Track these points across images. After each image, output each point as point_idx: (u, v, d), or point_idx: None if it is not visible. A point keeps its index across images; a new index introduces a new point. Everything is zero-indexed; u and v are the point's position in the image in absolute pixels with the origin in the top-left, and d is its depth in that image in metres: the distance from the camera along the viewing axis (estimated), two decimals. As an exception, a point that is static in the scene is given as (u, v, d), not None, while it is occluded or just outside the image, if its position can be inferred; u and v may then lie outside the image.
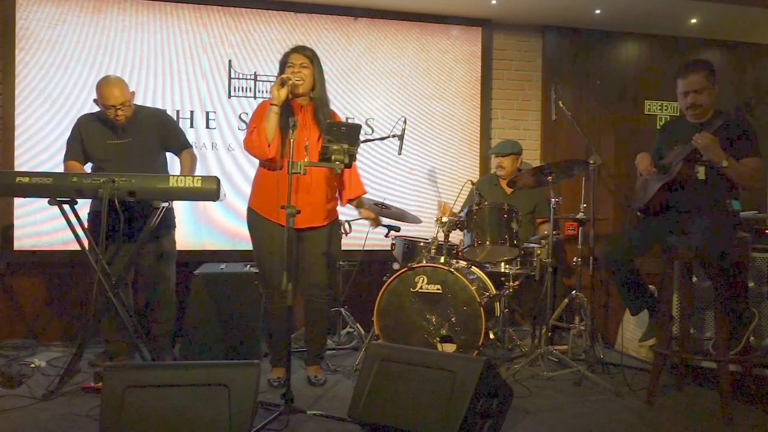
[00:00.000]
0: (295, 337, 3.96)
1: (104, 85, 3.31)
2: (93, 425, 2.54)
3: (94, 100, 3.37)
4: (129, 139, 3.39)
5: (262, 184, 3.14)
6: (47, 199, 2.97)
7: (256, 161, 3.20)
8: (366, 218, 3.38)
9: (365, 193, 3.37)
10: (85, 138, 3.40)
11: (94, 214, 3.31)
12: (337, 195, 3.26)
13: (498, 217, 3.52)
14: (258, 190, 3.17)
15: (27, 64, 4.09)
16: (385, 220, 3.88)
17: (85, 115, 3.55)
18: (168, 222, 3.49)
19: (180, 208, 4.16)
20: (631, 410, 2.95)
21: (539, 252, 3.74)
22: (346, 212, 3.77)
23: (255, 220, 3.14)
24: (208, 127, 4.33)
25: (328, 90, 3.22)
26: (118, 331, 3.34)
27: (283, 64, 3.10)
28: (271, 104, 2.96)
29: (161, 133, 3.50)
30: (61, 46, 4.14)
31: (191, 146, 3.63)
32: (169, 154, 3.62)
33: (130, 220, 3.15)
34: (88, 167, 3.48)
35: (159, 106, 4.18)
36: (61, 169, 3.98)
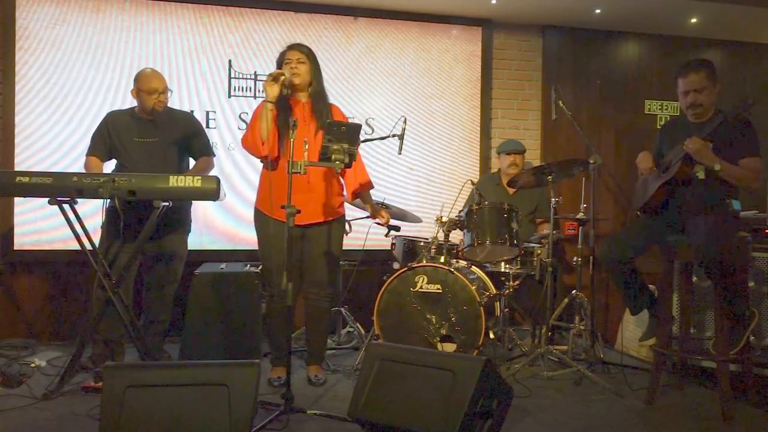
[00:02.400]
0: (295, 336, 3.96)
1: (148, 72, 3.42)
2: (93, 425, 2.54)
3: (133, 90, 3.41)
4: (156, 139, 3.42)
5: (265, 183, 3.16)
6: (47, 199, 2.97)
7: (256, 161, 3.20)
8: (375, 216, 3.33)
9: (372, 187, 3.32)
10: (113, 133, 3.42)
11: (112, 210, 3.30)
12: (344, 192, 3.25)
13: (498, 217, 3.52)
14: (261, 189, 3.19)
15: (27, 63, 4.09)
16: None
17: (114, 111, 3.59)
18: (178, 223, 3.49)
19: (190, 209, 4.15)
20: (631, 410, 2.95)
21: (539, 252, 3.74)
22: (346, 212, 3.77)
23: (260, 219, 3.17)
24: (207, 126, 4.32)
25: (327, 87, 3.23)
26: (114, 330, 3.34)
27: (280, 62, 3.12)
28: (266, 101, 2.97)
29: (187, 135, 3.51)
30: (61, 46, 4.14)
31: (212, 155, 3.64)
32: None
33: (141, 220, 3.15)
34: (109, 165, 3.49)
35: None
36: (62, 168, 4.03)
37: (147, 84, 3.37)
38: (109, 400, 2.16)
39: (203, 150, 3.59)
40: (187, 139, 3.52)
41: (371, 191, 3.36)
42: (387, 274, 3.59)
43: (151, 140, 3.41)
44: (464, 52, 4.79)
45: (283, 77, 2.95)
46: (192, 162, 3.63)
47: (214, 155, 3.68)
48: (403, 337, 3.40)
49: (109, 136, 3.42)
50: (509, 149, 4.32)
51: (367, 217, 3.70)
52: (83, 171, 3.42)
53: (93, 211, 3.67)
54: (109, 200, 2.91)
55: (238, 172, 4.32)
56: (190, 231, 3.62)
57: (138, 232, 3.17)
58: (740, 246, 3.01)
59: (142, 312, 3.58)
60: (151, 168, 3.25)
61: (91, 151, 3.44)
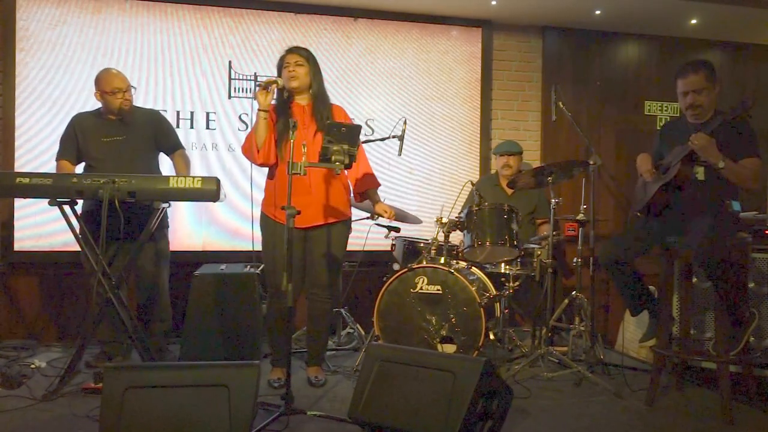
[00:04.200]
0: (295, 337, 3.96)
1: (109, 72, 3.39)
2: (93, 426, 2.54)
3: (96, 93, 3.39)
4: (123, 137, 3.40)
5: (268, 187, 3.21)
6: (47, 200, 2.97)
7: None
8: (380, 214, 3.27)
9: (378, 186, 3.30)
10: (80, 135, 3.40)
11: (87, 214, 3.31)
12: (350, 195, 3.26)
13: (498, 218, 3.52)
14: (266, 192, 3.23)
15: (27, 64, 4.09)
16: (386, 221, 3.88)
17: (79, 113, 3.57)
18: (163, 223, 3.50)
19: (180, 208, 4.17)
20: (631, 411, 2.95)
21: (539, 253, 3.73)
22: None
23: (264, 221, 3.20)
24: (208, 127, 4.33)
25: (329, 88, 3.23)
26: (116, 331, 3.34)
27: (280, 67, 3.13)
28: (258, 110, 2.98)
29: (155, 132, 3.51)
30: (61, 47, 4.14)
31: (183, 147, 3.64)
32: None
33: (127, 220, 3.14)
34: (79, 168, 3.49)
35: (159, 106, 4.19)
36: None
37: (108, 85, 3.35)
38: (109, 401, 2.16)
39: (174, 145, 3.59)
40: (155, 136, 3.51)
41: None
42: (387, 275, 3.59)
43: (119, 138, 3.40)
44: (464, 53, 4.79)
45: (274, 84, 2.97)
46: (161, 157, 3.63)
47: (184, 147, 3.65)
48: (403, 338, 3.40)
49: (76, 138, 3.41)
50: (502, 150, 4.32)
51: (368, 218, 3.70)
52: (81, 173, 3.43)
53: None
54: (83, 206, 2.88)
55: (241, 172, 4.32)
56: (168, 227, 3.62)
57: (122, 233, 3.15)
58: (740, 247, 3.01)
59: (143, 314, 3.58)
60: (120, 167, 3.23)
61: (61, 155, 3.43)
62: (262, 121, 2.99)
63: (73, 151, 3.43)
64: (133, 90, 3.45)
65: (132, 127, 3.43)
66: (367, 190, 3.25)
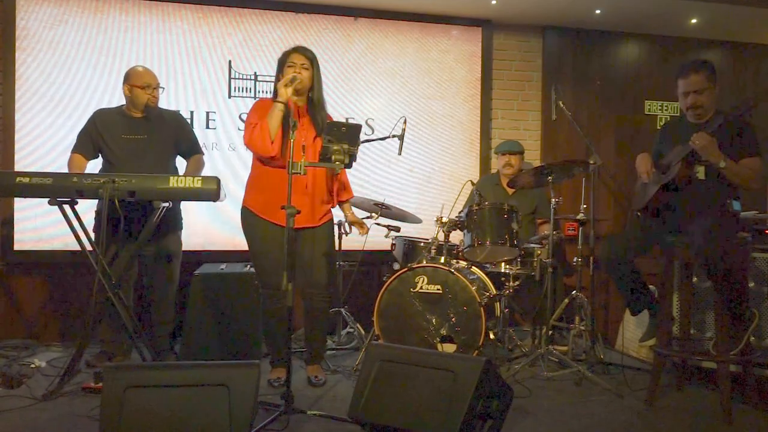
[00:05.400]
0: (295, 337, 3.96)
1: (140, 68, 3.42)
2: (93, 426, 2.54)
3: (125, 87, 3.39)
4: (144, 137, 3.41)
5: (259, 183, 3.12)
6: (47, 200, 2.97)
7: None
8: (352, 223, 3.40)
9: (352, 197, 3.42)
10: (101, 130, 3.40)
11: (100, 214, 3.31)
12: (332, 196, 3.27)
13: (498, 218, 3.52)
14: (254, 189, 3.15)
15: (25, 62, 4.08)
16: (386, 221, 3.88)
17: (101, 108, 3.57)
18: (174, 222, 3.49)
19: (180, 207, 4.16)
20: (631, 410, 2.95)
21: (539, 252, 3.73)
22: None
23: (250, 219, 3.12)
24: (208, 127, 4.33)
25: (325, 91, 3.24)
26: (117, 331, 3.34)
27: (283, 63, 3.10)
28: (277, 101, 2.96)
29: (176, 134, 3.51)
30: (59, 46, 4.14)
31: (202, 153, 3.64)
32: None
33: (134, 220, 3.15)
34: (93, 165, 3.48)
35: (159, 106, 4.18)
36: (62, 168, 4.02)
37: (140, 79, 3.37)
38: (109, 400, 2.16)
39: (193, 148, 3.59)
40: (175, 138, 3.51)
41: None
42: (387, 275, 3.59)
43: (140, 137, 3.40)
44: (464, 52, 4.79)
45: (297, 81, 2.96)
46: (179, 160, 3.63)
47: (203, 153, 3.67)
48: (403, 337, 3.40)
49: (97, 133, 3.40)
50: (504, 150, 4.32)
51: (368, 217, 3.71)
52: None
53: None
54: (98, 202, 2.89)
55: (242, 171, 4.31)
56: (182, 228, 3.62)
57: (131, 232, 3.16)
58: (740, 246, 3.01)
59: (148, 314, 3.58)
60: (139, 166, 3.23)
61: (76, 149, 3.42)
62: (279, 113, 2.95)
63: (89, 146, 3.42)
64: (161, 90, 3.46)
65: (154, 127, 3.43)
66: (343, 200, 3.33)
